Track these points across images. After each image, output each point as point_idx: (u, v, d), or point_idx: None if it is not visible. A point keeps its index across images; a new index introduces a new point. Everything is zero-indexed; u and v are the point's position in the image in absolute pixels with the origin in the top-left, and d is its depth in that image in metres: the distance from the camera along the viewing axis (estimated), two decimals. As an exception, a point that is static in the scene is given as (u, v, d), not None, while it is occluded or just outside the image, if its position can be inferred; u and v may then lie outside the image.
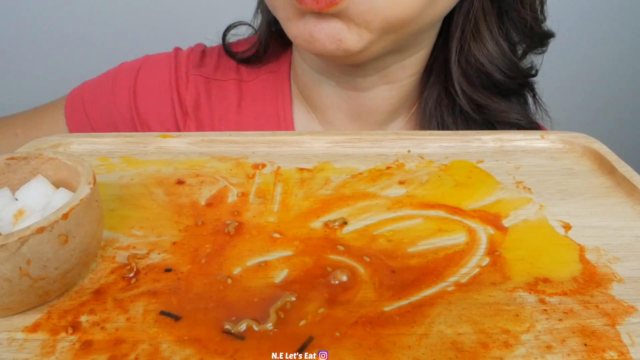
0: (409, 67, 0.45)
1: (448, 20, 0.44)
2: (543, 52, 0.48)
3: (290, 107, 0.50)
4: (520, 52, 0.46)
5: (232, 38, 0.53)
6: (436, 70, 0.47)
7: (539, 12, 0.45)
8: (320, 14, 0.35)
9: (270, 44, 0.50)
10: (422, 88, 0.48)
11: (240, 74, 0.51)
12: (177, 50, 0.53)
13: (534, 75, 0.48)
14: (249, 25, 0.53)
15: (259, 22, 0.51)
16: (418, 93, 0.49)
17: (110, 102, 0.49)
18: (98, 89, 0.50)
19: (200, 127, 0.49)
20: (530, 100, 0.49)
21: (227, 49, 0.52)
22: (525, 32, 0.45)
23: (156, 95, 0.49)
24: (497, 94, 0.46)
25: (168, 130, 0.48)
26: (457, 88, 0.45)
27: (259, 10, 0.51)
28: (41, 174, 0.26)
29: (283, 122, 0.49)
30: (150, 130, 0.49)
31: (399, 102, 0.47)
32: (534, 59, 0.48)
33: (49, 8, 0.95)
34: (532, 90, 0.48)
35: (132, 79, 0.50)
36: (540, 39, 0.46)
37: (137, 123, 0.49)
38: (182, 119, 0.49)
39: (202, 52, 0.53)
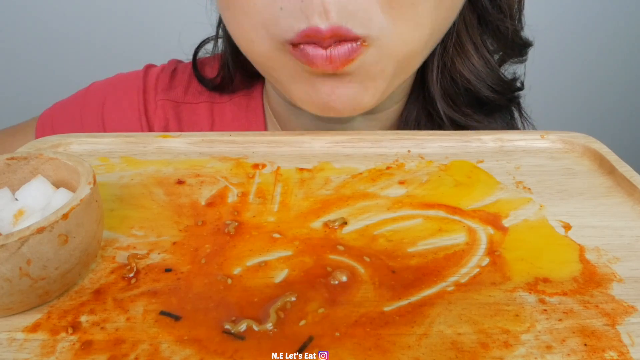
0: (396, 95, 0.42)
1: None
2: (522, 61, 0.45)
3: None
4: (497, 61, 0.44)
5: (201, 54, 0.49)
6: (414, 92, 0.44)
7: (516, 21, 0.43)
8: (334, 75, 0.32)
9: (236, 74, 0.46)
10: (400, 110, 0.45)
11: (213, 95, 0.48)
12: (147, 69, 0.50)
13: (521, 89, 0.45)
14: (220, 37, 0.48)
15: (220, 47, 0.47)
16: (398, 119, 0.46)
17: (79, 127, 0.47)
18: (67, 112, 0.49)
19: None
20: (516, 115, 0.46)
21: (197, 74, 0.48)
22: (505, 42, 0.42)
23: (125, 121, 0.47)
24: (482, 112, 0.43)
25: None
26: (440, 109, 0.42)
27: (220, 36, 0.46)
28: (41, 174, 0.26)
29: None
30: None
31: (382, 129, 0.44)
32: (516, 69, 0.46)
33: (49, 8, 0.95)
34: (519, 105, 0.46)
35: (100, 104, 0.48)
36: (519, 48, 0.44)
37: None
38: None
39: (172, 71, 0.50)
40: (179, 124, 0.47)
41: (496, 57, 0.44)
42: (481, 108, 0.43)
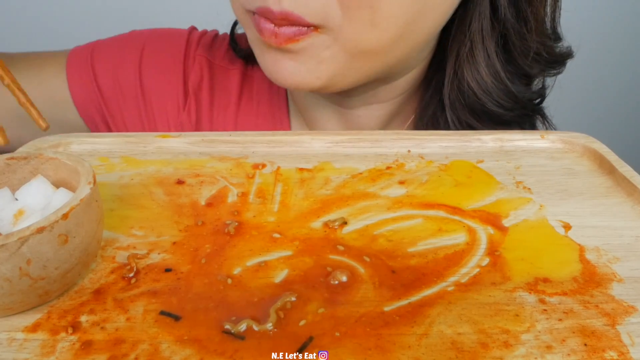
0: (399, 87, 0.43)
1: (446, 39, 0.41)
2: (558, 73, 0.43)
3: (287, 116, 0.48)
4: (533, 77, 0.43)
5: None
6: (433, 88, 0.44)
7: (549, 36, 0.41)
8: (280, 49, 0.34)
9: None
10: (418, 101, 0.46)
11: (245, 66, 0.49)
12: (192, 28, 0.51)
13: (539, 104, 0.44)
14: None
15: None
16: (412, 106, 0.47)
17: (118, 64, 0.48)
18: (107, 50, 0.49)
19: (199, 111, 0.48)
20: (540, 125, 0.45)
21: (232, 41, 0.50)
22: (535, 58, 0.41)
23: (164, 66, 0.48)
24: (491, 122, 0.42)
25: (167, 104, 0.47)
26: (448, 117, 0.42)
27: None
28: (41, 174, 0.26)
29: (279, 125, 0.48)
30: (151, 100, 0.48)
31: (389, 117, 0.46)
32: (547, 80, 0.44)
33: (54, 6, 0.95)
34: (542, 115, 0.45)
35: (140, 47, 0.48)
36: (552, 63, 0.42)
37: (138, 93, 0.48)
38: (184, 98, 0.48)
39: (214, 36, 0.51)
40: (211, 85, 0.48)
41: (533, 74, 0.42)
42: (491, 119, 0.42)
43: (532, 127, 0.45)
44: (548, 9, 0.41)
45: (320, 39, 0.34)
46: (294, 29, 0.33)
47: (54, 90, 0.47)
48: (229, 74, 0.49)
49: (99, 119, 0.49)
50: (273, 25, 0.33)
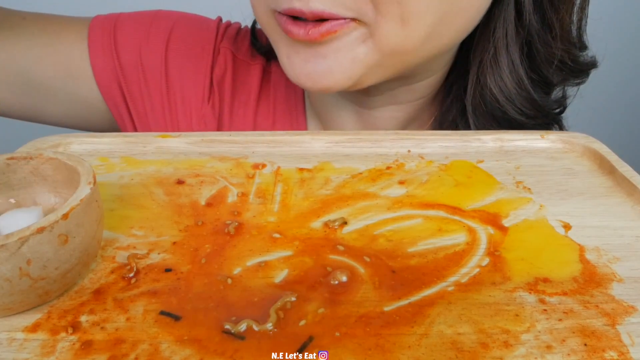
0: (419, 91, 0.43)
1: (470, 45, 0.40)
2: (581, 83, 0.43)
3: (304, 116, 0.48)
4: (555, 86, 0.42)
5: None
6: (454, 94, 0.43)
7: (574, 44, 0.40)
8: (311, 46, 0.33)
9: None
10: (437, 106, 0.45)
11: (266, 62, 0.48)
12: (219, 19, 0.50)
13: (559, 114, 0.43)
14: None
15: None
16: (431, 111, 0.46)
17: (143, 41, 0.45)
18: (133, 24, 0.46)
19: (222, 105, 0.46)
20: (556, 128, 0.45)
21: (253, 36, 0.49)
22: (559, 66, 0.40)
23: (192, 53, 0.46)
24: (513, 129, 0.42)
25: (191, 93, 0.45)
26: (471, 123, 0.42)
27: None
28: (41, 174, 0.26)
29: (295, 123, 0.47)
30: (174, 87, 0.46)
31: (407, 120, 0.45)
32: (568, 89, 0.43)
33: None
34: (560, 125, 0.44)
35: (168, 29, 0.46)
36: (576, 72, 0.42)
37: (162, 76, 0.45)
38: (209, 89, 0.46)
39: (238, 29, 0.50)
40: (234, 79, 0.47)
41: (555, 83, 0.42)
42: (511, 126, 0.41)
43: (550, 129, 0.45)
44: (574, 17, 0.40)
45: (358, 31, 0.33)
46: (328, 25, 0.32)
47: (71, 60, 0.44)
48: (250, 70, 0.48)
49: (120, 98, 0.46)
50: (304, 24, 0.32)
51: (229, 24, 0.50)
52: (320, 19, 0.32)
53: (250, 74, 0.48)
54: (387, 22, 0.32)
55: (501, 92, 0.39)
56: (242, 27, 0.51)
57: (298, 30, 0.32)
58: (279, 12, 0.33)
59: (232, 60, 0.47)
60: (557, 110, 0.44)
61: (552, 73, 0.41)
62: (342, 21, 0.32)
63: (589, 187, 0.32)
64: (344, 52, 0.34)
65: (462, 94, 0.42)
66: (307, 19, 0.32)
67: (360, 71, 0.35)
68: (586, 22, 0.41)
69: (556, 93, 0.43)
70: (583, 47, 0.42)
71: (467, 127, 0.42)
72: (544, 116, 0.41)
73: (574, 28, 0.40)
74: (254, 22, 0.49)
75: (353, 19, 0.32)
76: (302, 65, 0.35)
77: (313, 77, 0.35)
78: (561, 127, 0.45)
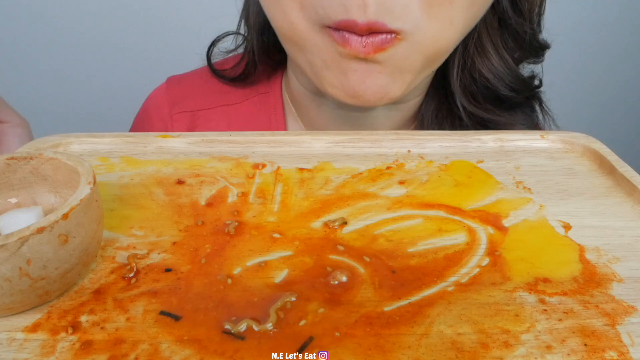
0: (418, 88, 0.43)
1: None
2: (538, 62, 0.47)
3: (284, 128, 0.48)
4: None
5: (217, 55, 0.49)
6: (434, 84, 0.45)
7: (535, 24, 0.44)
8: (365, 62, 0.34)
9: (261, 60, 0.47)
10: (418, 103, 0.47)
11: (228, 96, 0.48)
12: (168, 83, 0.50)
13: (539, 87, 0.46)
14: (240, 34, 0.48)
15: (237, 43, 0.48)
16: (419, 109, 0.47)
17: None
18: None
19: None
20: (537, 108, 0.48)
21: (212, 67, 0.49)
22: (522, 44, 0.43)
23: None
24: (502, 108, 0.44)
25: None
26: (459, 105, 0.43)
27: (245, 21, 0.47)
28: (41, 174, 0.26)
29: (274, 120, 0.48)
30: None
31: (402, 120, 0.46)
32: (534, 68, 0.47)
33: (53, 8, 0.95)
34: (539, 99, 0.47)
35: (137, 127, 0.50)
36: (535, 50, 0.45)
37: None
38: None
39: (178, 82, 0.50)
40: (200, 129, 0.48)
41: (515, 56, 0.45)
42: (501, 104, 0.44)
43: (533, 111, 0.47)
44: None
45: (401, 46, 0.33)
46: (380, 37, 0.32)
47: None
48: (211, 116, 0.48)
49: None
50: (359, 36, 0.32)
51: (172, 82, 0.50)
52: (371, 32, 0.32)
53: (213, 119, 0.48)
54: (434, 24, 0.33)
55: (490, 72, 0.42)
56: (180, 76, 0.51)
57: (356, 43, 0.32)
58: (331, 28, 0.33)
59: (188, 118, 0.48)
60: (537, 83, 0.47)
61: (516, 50, 0.44)
62: (390, 36, 0.33)
63: (589, 187, 0.32)
64: (395, 64, 0.34)
65: (441, 87, 0.44)
66: (358, 32, 0.32)
67: (409, 80, 0.36)
68: (544, 6, 0.44)
69: (525, 72, 0.46)
70: (540, 29, 0.45)
71: (452, 117, 0.45)
72: (530, 90, 0.45)
73: (536, 10, 0.43)
74: (210, 50, 0.49)
75: (397, 35, 0.33)
76: (360, 81, 0.35)
77: (372, 89, 0.35)
78: (541, 101, 0.47)
